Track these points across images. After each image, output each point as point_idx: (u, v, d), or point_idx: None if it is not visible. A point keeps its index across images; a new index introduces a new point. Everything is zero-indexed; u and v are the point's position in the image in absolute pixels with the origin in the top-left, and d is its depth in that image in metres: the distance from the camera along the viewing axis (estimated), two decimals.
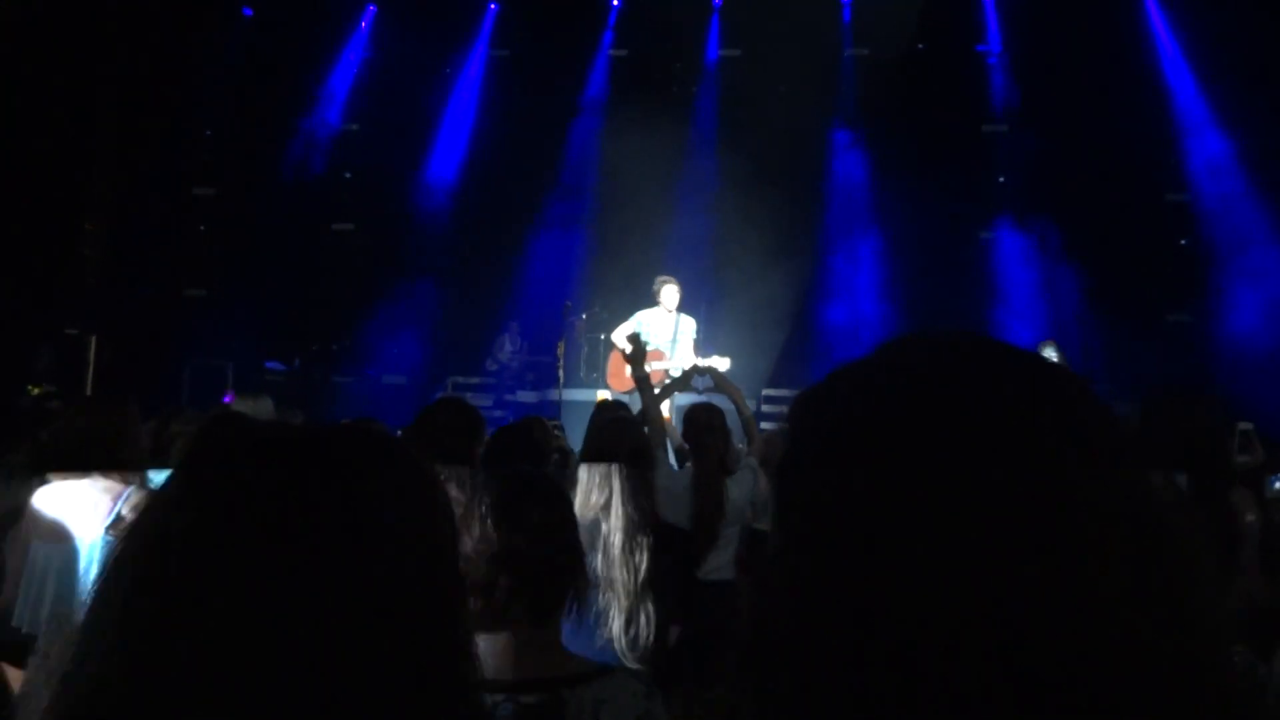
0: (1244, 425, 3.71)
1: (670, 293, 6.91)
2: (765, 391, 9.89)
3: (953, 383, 0.51)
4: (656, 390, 3.66)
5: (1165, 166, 9.80)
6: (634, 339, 3.02)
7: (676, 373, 6.66)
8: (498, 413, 8.72)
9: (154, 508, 0.59)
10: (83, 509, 2.54)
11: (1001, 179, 10.53)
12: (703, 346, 7.22)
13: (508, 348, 9.69)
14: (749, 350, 10.25)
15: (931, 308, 10.17)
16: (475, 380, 9.98)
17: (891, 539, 0.47)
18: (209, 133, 10.69)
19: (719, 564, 3.47)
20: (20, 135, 8.57)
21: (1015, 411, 0.49)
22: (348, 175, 11.02)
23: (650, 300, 7.07)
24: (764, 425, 9.33)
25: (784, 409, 9.69)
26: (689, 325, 7.01)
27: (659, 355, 6.70)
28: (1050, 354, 2.73)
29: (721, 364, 6.76)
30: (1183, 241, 9.90)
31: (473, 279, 10.63)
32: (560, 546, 1.43)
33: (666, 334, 6.83)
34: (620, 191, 10.12)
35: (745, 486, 3.49)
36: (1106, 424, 0.51)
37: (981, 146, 10.49)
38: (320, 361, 10.13)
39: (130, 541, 0.58)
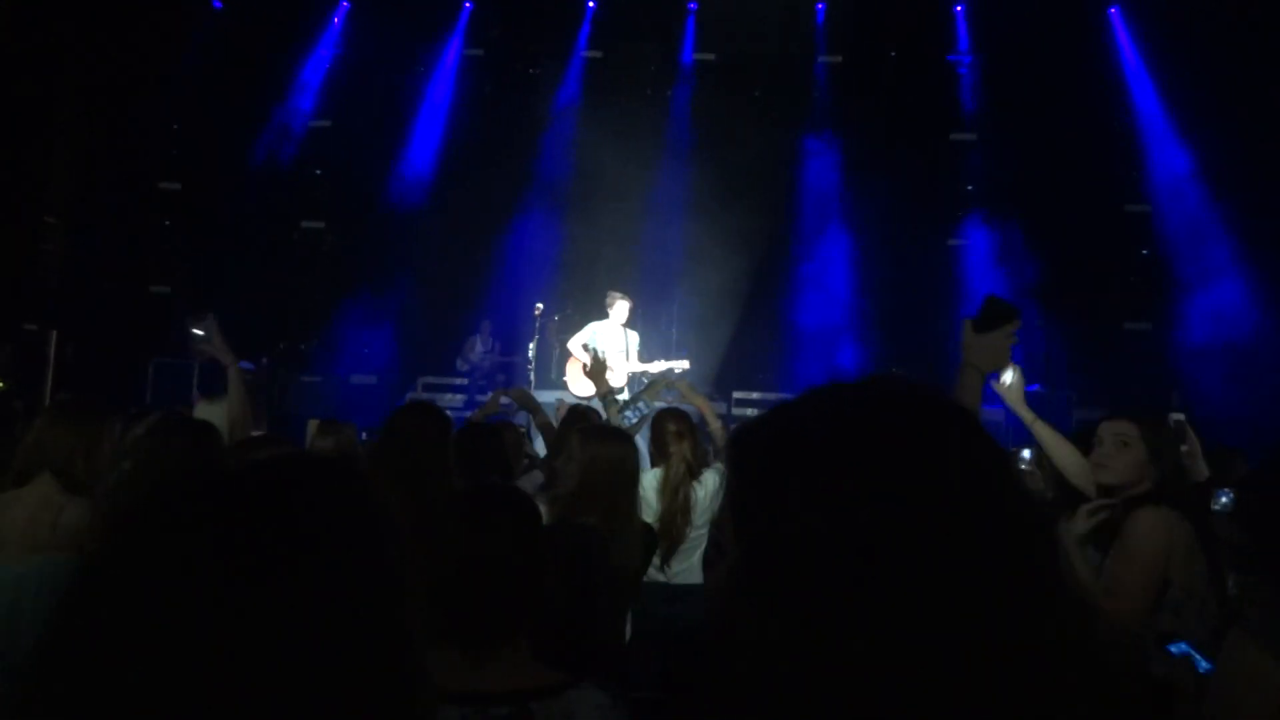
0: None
1: (622, 309, 7.33)
2: (736, 394, 9.96)
3: (866, 425, 0.63)
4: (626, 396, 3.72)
5: (1126, 178, 10.03)
6: (594, 355, 3.10)
7: (621, 380, 7.04)
8: (469, 413, 8.69)
9: (97, 552, 0.60)
10: (26, 524, 2.51)
11: (970, 186, 10.69)
12: (649, 355, 7.57)
13: (479, 348, 9.66)
14: (719, 352, 10.32)
15: (900, 312, 10.30)
16: (446, 380, 9.93)
17: (824, 555, 0.59)
18: (175, 126, 10.51)
19: (686, 566, 3.54)
20: None
21: (917, 449, 0.61)
22: (318, 172, 10.90)
23: (601, 312, 7.41)
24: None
25: (755, 411, 9.76)
26: (634, 339, 7.41)
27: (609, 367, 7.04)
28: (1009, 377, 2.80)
29: (681, 365, 7.03)
30: (1143, 252, 10.14)
31: (444, 279, 10.56)
32: (529, 560, 1.44)
33: (617, 346, 7.20)
34: (593, 193, 10.13)
35: (710, 488, 3.58)
36: (990, 453, 0.64)
37: (950, 154, 10.64)
38: (289, 361, 10.01)
39: (73, 586, 0.59)
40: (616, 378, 7.01)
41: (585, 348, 7.35)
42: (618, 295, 7.40)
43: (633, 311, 7.41)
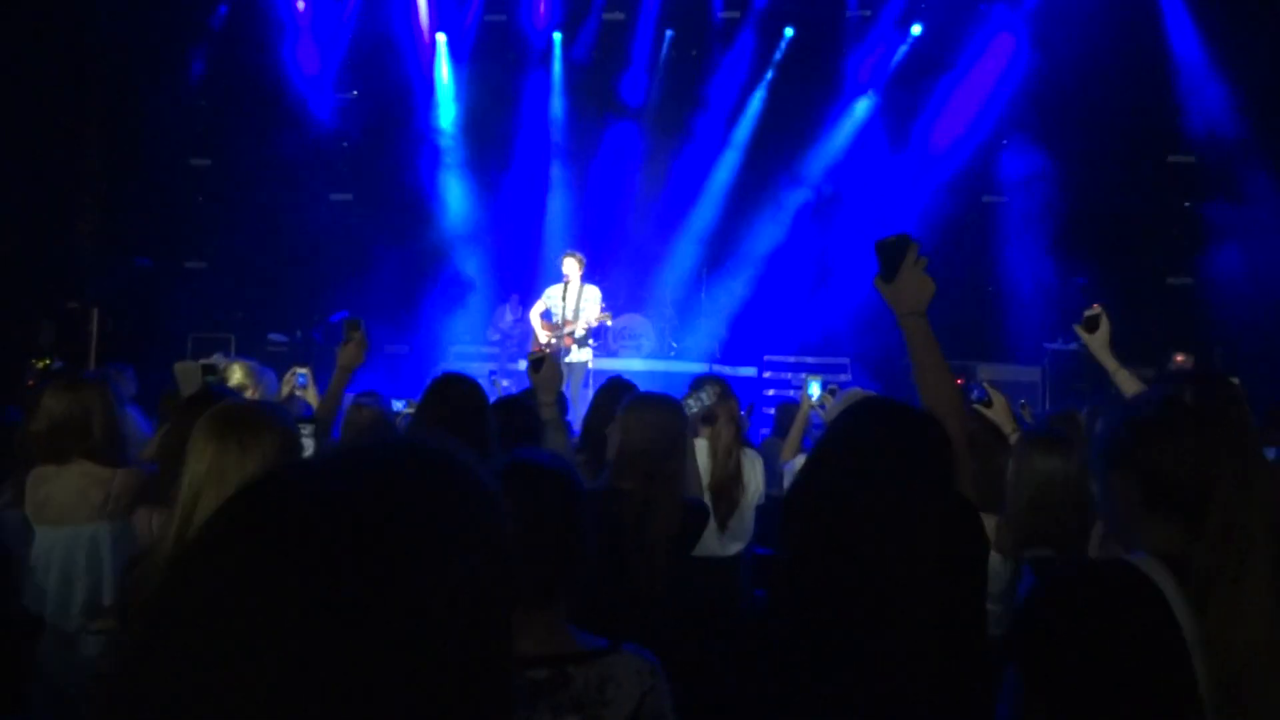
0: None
1: (570, 264, 7.57)
2: (767, 357, 9.91)
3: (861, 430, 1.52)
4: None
5: (1169, 128, 9.69)
6: (536, 357, 2.81)
7: (582, 333, 7.43)
8: (504, 382, 8.74)
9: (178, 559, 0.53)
10: (77, 497, 2.59)
11: (1005, 141, 10.41)
12: (612, 312, 7.84)
13: (509, 317, 9.67)
14: (750, 316, 10.25)
15: (936, 272, 10.09)
16: (478, 349, 9.98)
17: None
18: (204, 103, 10.56)
19: (738, 535, 3.47)
20: (11, 107, 8.48)
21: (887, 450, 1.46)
22: (345, 145, 10.92)
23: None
24: (769, 391, 9.36)
25: (785, 375, 9.70)
26: (592, 293, 7.59)
27: (568, 323, 7.50)
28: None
29: (604, 319, 7.53)
30: (1186, 204, 9.83)
31: (472, 247, 10.59)
32: (568, 525, 1.44)
33: (572, 303, 7.53)
34: (621, 158, 10.05)
35: (751, 464, 3.54)
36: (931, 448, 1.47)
37: (986, 108, 10.35)
38: (322, 333, 10.11)
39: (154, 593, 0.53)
40: (572, 331, 7.45)
41: (543, 321, 7.65)
42: (566, 254, 7.68)
43: (582, 267, 7.60)
